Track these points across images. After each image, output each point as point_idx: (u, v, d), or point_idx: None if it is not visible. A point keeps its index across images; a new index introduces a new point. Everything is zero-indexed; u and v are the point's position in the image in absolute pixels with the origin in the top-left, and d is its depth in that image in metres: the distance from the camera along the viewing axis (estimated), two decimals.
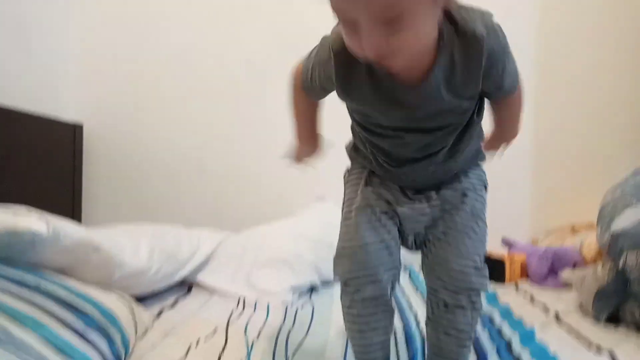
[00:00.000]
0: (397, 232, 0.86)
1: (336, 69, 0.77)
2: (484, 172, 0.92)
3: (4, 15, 1.75)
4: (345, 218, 0.88)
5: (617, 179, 1.55)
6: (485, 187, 0.90)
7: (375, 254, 0.83)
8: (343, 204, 0.91)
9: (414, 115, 0.77)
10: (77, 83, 2.03)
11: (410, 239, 0.88)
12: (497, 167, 1.88)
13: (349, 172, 0.94)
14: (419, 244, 0.88)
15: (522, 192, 2.04)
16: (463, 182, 0.87)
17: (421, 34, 0.68)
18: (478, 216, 0.85)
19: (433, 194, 0.86)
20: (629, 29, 1.99)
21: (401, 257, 0.87)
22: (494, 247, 1.70)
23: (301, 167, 0.99)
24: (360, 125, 0.85)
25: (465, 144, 0.83)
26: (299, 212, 1.83)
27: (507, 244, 1.81)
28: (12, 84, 1.76)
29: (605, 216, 1.25)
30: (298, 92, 0.88)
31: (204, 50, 2.02)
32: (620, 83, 2.00)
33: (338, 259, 0.86)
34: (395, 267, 0.85)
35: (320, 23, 0.82)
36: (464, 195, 0.86)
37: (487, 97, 0.81)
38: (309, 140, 0.94)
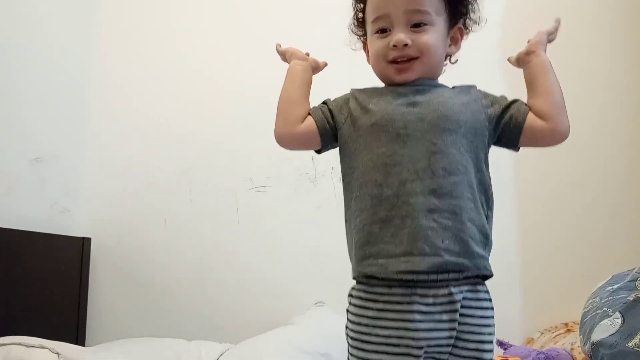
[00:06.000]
0: None
1: (357, 90, 0.96)
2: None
3: (24, 149, 1.92)
4: None
5: (604, 278, 1.62)
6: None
7: None
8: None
9: (422, 112, 0.89)
10: (87, 202, 2.16)
11: None
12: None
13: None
14: None
15: (514, 291, 2.08)
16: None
17: (435, 45, 0.92)
18: None
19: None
20: (605, 145, 2.12)
21: None
22: None
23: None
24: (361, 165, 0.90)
25: (455, 184, 0.85)
26: (298, 319, 1.88)
27: (502, 345, 1.84)
28: (26, 209, 1.89)
29: (586, 324, 1.31)
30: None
31: (206, 167, 2.16)
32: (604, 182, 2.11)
33: None
34: None
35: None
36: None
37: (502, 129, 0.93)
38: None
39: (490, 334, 0.87)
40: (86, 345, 2.00)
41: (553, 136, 0.91)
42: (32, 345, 1.08)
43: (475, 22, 0.99)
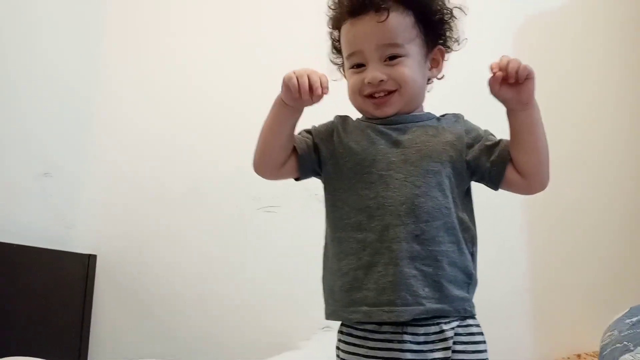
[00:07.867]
0: None
1: (341, 119, 0.94)
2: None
3: (29, 164, 1.92)
4: None
5: (618, 307, 1.57)
6: None
7: None
8: None
9: (405, 153, 0.87)
10: (93, 218, 2.14)
11: None
12: (495, 294, 1.90)
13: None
14: None
15: (524, 319, 2.02)
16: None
17: (412, 76, 0.89)
18: None
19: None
20: (619, 166, 2.08)
21: None
22: None
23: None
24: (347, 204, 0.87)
25: (438, 229, 0.84)
26: (304, 344, 1.84)
27: None
28: (32, 224, 1.87)
29: (606, 358, 1.26)
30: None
31: (213, 185, 2.13)
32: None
33: None
34: None
35: None
36: None
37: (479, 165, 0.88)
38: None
39: None
40: None
41: (528, 191, 0.91)
42: None
43: (456, 41, 0.95)
